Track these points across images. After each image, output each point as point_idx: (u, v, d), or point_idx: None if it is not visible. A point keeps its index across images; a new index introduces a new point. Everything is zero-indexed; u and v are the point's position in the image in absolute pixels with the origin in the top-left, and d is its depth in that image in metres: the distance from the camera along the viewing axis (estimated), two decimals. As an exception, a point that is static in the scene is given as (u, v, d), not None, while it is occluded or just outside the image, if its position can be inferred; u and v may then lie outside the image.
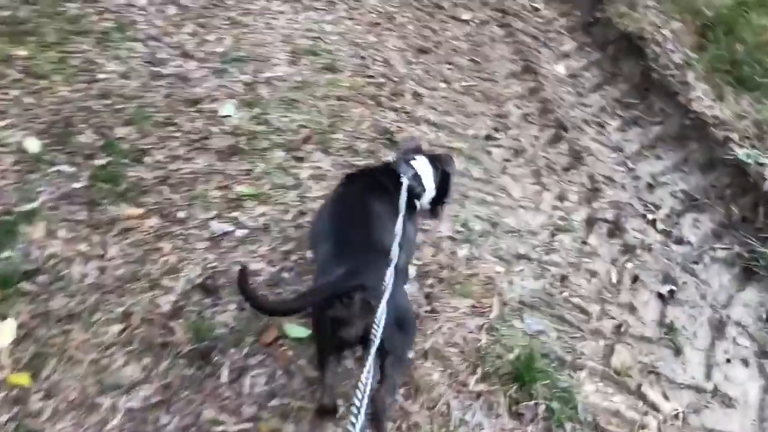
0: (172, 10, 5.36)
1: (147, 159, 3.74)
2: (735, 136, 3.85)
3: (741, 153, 3.67)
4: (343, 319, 2.00)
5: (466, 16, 5.82)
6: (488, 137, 4.31)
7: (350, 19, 5.47)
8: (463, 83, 4.87)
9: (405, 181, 2.59)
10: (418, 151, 2.97)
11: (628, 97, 4.70)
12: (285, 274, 3.09)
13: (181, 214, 3.41)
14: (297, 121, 4.15)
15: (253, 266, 3.12)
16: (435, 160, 2.89)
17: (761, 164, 3.58)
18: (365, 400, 1.57)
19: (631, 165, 4.05)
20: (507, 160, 4.08)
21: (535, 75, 4.98)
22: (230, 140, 3.92)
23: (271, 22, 5.29)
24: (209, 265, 3.11)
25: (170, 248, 3.18)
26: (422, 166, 2.79)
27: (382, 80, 4.71)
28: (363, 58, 4.95)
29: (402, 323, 2.12)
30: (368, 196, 2.52)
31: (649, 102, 4.54)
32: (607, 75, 5.02)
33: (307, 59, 4.83)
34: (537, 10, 6.04)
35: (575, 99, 4.73)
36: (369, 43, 5.16)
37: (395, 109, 4.41)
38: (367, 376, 1.63)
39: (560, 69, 5.12)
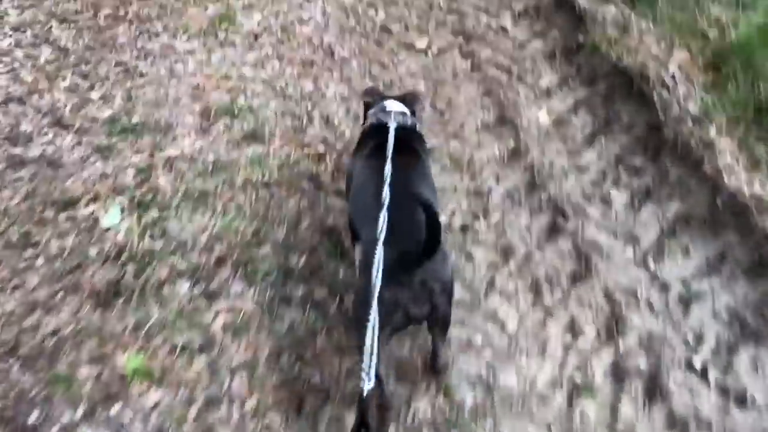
0: (46, 53, 4.16)
1: (-11, 311, 2.61)
2: (790, 231, 2.92)
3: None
4: (407, 301, 2.03)
5: (421, 43, 4.75)
6: (465, 228, 3.29)
7: (278, 58, 4.33)
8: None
9: (393, 125, 2.56)
10: (383, 96, 3.00)
11: (633, 155, 3.73)
12: None
13: (32, 417, 2.30)
14: (208, 228, 3.05)
15: None
16: (402, 100, 2.94)
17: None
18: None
19: (653, 266, 3.09)
20: (494, 267, 3.07)
21: (513, 127, 3.96)
22: (113, 271, 2.81)
23: (175, 68, 4.13)
24: None
25: (9, 495, 2.07)
26: (397, 106, 2.83)
27: (322, 149, 3.63)
28: (296, 116, 3.84)
29: (449, 294, 2.21)
30: (400, 170, 2.31)
31: (661, 166, 3.57)
32: (600, 121, 4.04)
33: (223, 123, 3.70)
34: (505, 30, 4.99)
35: (567, 161, 3.74)
36: (304, 93, 4.05)
37: (343, 194, 3.33)
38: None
39: (542, 116, 4.11)
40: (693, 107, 3.72)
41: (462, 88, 4.32)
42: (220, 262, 2.87)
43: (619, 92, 4.13)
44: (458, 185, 3.54)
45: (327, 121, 3.85)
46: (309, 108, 3.92)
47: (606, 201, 3.48)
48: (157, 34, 4.41)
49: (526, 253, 3.14)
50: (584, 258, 3.10)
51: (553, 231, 3.27)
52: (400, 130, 2.58)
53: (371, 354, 1.68)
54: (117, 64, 4.10)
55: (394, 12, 5.10)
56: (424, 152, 2.78)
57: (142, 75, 4.02)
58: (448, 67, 4.53)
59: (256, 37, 4.48)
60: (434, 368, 2.53)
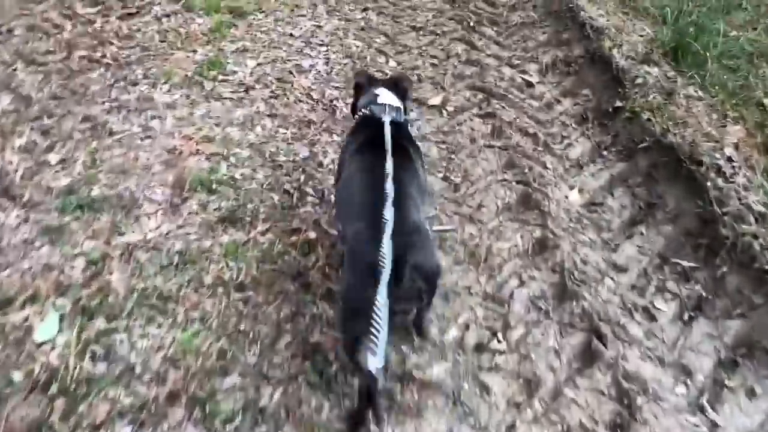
0: (4, 102, 3.65)
1: None
2: None
3: None
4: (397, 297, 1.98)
5: (435, 99, 4.20)
6: (480, 347, 2.70)
7: (271, 116, 3.78)
8: (435, 227, 3.23)
9: (387, 120, 2.54)
10: (375, 82, 2.91)
11: (681, 253, 3.15)
12: None
13: None
14: (165, 347, 2.47)
15: None
16: (392, 84, 2.88)
17: None
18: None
19: (710, 412, 2.50)
20: (515, 406, 2.48)
21: (539, 210, 3.38)
22: (38, 407, 2.24)
23: (150, 125, 3.59)
24: None
25: None
26: (387, 95, 2.77)
27: (313, 235, 3.05)
28: (286, 191, 3.28)
29: (432, 279, 2.21)
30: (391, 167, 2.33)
31: (716, 271, 2.99)
32: (641, 205, 3.46)
33: (198, 200, 3.14)
34: (531, 86, 4.43)
35: (602, 256, 3.16)
36: (297, 161, 3.48)
37: (332, 298, 2.75)
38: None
39: (573, 196, 3.54)
40: (755, 200, 3.13)
41: (480, 157, 3.76)
42: (173, 398, 2.30)
43: (663, 171, 3.57)
44: (473, 286, 2.97)
45: (322, 197, 3.29)
46: (302, 180, 3.36)
47: (650, 314, 2.90)
48: (135, 83, 3.87)
49: (555, 388, 2.55)
50: (626, 399, 2.50)
51: (588, 357, 2.68)
52: (393, 126, 2.53)
53: (379, 330, 1.65)
54: (84, 118, 3.56)
55: (406, 61, 4.57)
56: (414, 151, 2.68)
57: (111, 133, 3.48)
58: (465, 130, 3.98)
59: (247, 89, 3.93)
60: (418, 329, 2.63)
